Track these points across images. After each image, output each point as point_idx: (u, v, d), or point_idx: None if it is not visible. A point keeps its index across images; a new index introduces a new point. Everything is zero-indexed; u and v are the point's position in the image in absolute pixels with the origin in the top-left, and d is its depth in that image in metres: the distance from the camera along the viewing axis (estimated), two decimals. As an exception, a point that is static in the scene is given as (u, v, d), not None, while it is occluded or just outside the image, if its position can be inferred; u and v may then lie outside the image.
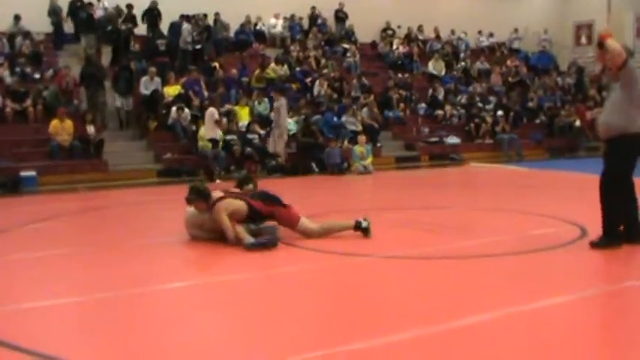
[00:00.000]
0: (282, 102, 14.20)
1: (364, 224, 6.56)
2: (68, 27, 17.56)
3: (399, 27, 22.09)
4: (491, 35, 23.59)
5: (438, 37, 22.36)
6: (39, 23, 16.87)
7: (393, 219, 7.75)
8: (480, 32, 23.51)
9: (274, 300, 4.70)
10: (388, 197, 10.69)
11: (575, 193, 9.87)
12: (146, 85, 15.36)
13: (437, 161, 16.47)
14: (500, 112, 18.40)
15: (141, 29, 17.62)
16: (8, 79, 14.87)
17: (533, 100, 19.96)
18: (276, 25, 20.46)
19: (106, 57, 16.66)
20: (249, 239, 6.11)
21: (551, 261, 5.65)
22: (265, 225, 6.46)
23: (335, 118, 16.02)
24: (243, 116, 15.31)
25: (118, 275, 5.41)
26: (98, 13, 17.60)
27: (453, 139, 17.52)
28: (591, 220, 6.38)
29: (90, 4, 17.57)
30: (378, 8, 21.48)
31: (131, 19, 17.41)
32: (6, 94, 14.29)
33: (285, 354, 3.53)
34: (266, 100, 15.75)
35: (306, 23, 21.13)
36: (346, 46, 20.42)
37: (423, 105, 18.70)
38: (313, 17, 21.11)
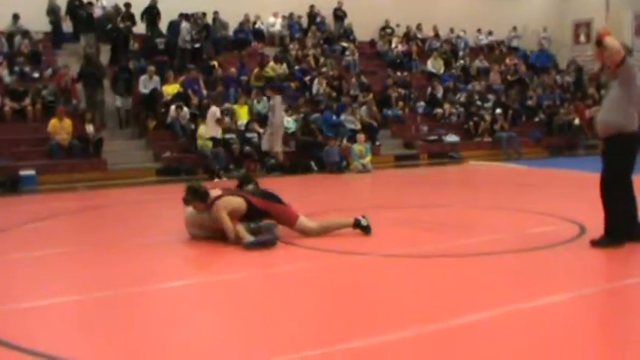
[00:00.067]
0: (277, 100, 14.18)
1: (364, 222, 6.57)
2: (67, 26, 17.54)
3: (397, 25, 22.05)
4: (490, 33, 23.55)
5: (437, 35, 22.31)
6: (38, 22, 16.84)
7: (391, 217, 7.75)
8: (479, 30, 23.47)
9: (273, 298, 4.70)
10: (387, 195, 10.70)
11: (574, 191, 9.86)
12: (145, 84, 15.35)
13: (436, 159, 16.46)
14: (499, 111, 18.39)
15: (140, 28, 17.60)
16: (7, 79, 14.85)
17: (532, 98, 19.94)
18: (274, 23, 20.41)
19: (104, 56, 16.62)
20: (248, 238, 6.11)
21: (550, 259, 5.65)
22: (264, 223, 6.45)
23: (334, 117, 16.02)
24: (242, 115, 15.29)
25: (118, 274, 5.41)
26: (97, 12, 17.60)
27: (451, 138, 17.54)
28: (590, 218, 6.39)
29: (89, 3, 17.57)
30: (376, 6, 21.44)
31: (130, 17, 17.39)
32: (5, 93, 14.27)
33: (284, 352, 3.53)
34: (265, 98, 15.69)
35: (305, 22, 21.11)
36: (345, 44, 20.39)
37: (422, 103, 18.68)
38: (312, 16, 21.09)
